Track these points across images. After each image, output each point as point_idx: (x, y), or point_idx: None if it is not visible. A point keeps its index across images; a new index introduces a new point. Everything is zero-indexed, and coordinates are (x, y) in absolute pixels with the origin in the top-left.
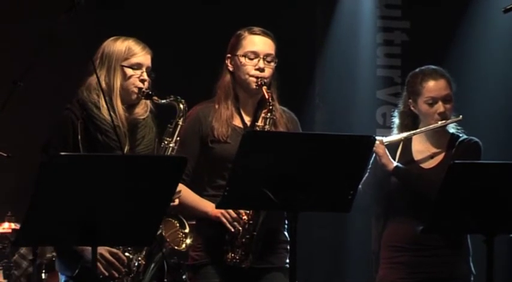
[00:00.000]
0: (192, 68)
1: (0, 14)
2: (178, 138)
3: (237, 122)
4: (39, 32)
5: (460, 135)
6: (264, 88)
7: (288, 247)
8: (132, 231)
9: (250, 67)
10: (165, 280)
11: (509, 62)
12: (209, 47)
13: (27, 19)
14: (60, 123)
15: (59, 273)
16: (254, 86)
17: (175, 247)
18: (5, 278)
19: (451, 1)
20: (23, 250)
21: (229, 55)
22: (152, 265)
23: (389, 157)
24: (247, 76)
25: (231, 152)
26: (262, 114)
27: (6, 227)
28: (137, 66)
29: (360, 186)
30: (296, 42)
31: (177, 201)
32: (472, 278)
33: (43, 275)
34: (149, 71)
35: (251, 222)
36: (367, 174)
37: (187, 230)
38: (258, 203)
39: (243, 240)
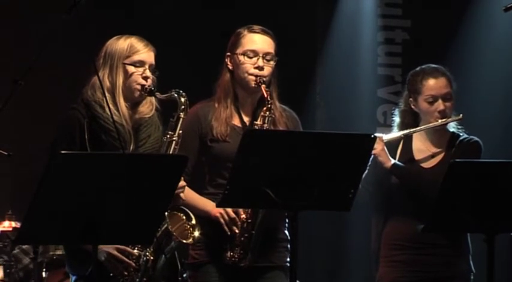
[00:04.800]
0: (191, 67)
1: (0, 13)
2: (180, 132)
3: (236, 121)
4: (40, 31)
5: (461, 134)
6: (263, 87)
7: (288, 246)
8: (132, 229)
9: (249, 66)
10: (179, 279)
11: (510, 61)
12: (209, 47)
13: (27, 18)
14: (67, 122)
15: (70, 273)
16: (253, 85)
17: (183, 240)
18: (5, 277)
19: (451, 0)
20: (25, 245)
21: (228, 53)
22: (161, 260)
23: (388, 155)
24: (246, 75)
25: (230, 151)
26: (261, 113)
27: (7, 225)
28: (140, 64)
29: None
30: (297, 40)
31: (182, 196)
32: (471, 277)
33: (44, 274)
34: (153, 69)
35: (249, 221)
36: (366, 172)
37: (193, 222)
38: (259, 202)
39: (242, 239)
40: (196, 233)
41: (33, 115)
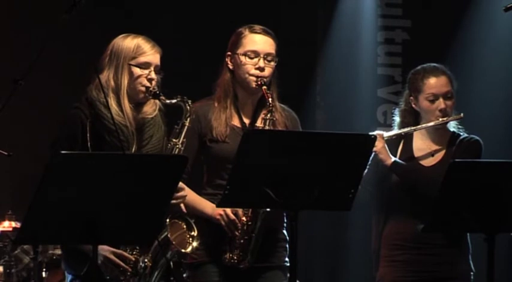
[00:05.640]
0: (191, 66)
1: (0, 12)
2: (184, 140)
3: (236, 121)
4: (40, 31)
5: (461, 133)
6: (264, 88)
7: (287, 246)
8: (133, 229)
9: (250, 66)
10: (171, 279)
11: (510, 61)
12: (209, 46)
13: (27, 19)
14: (69, 121)
15: (66, 272)
16: (254, 86)
17: (182, 250)
18: (6, 276)
19: (451, 0)
20: (25, 245)
21: (229, 53)
22: (158, 267)
23: (388, 152)
24: (247, 75)
25: (229, 151)
26: (262, 115)
27: (7, 225)
28: (145, 66)
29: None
30: (297, 40)
31: (183, 207)
32: (471, 276)
33: (43, 273)
34: (158, 70)
35: (249, 223)
36: (367, 171)
37: (194, 233)
38: (259, 202)
39: (241, 241)
40: (195, 244)
41: (33, 115)
